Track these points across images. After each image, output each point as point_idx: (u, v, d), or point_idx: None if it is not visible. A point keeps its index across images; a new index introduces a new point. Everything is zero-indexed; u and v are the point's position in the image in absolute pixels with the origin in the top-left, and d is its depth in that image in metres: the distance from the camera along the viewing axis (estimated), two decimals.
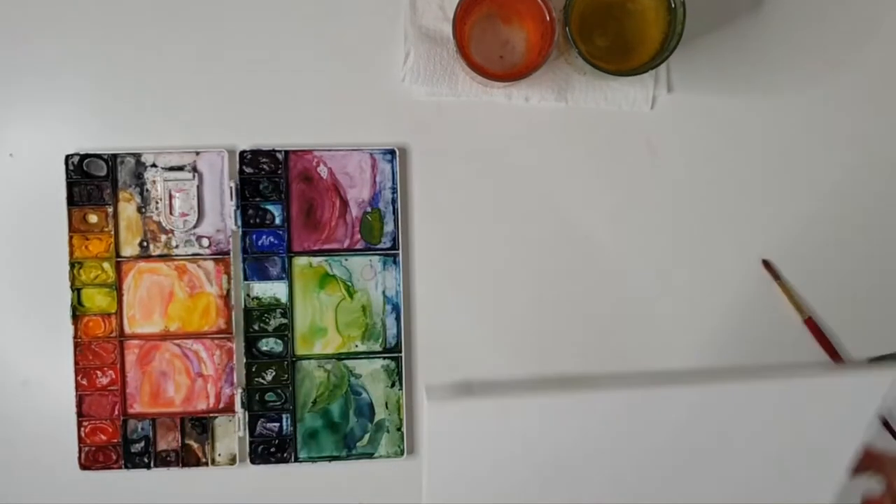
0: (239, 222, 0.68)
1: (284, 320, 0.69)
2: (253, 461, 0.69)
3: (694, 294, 0.70)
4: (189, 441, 0.69)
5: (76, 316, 0.68)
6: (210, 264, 0.69)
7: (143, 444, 0.69)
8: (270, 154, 0.68)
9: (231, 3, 0.68)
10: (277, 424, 0.69)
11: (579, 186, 0.70)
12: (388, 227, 0.69)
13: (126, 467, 0.68)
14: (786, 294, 0.69)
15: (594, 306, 0.70)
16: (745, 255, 0.71)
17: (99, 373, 0.68)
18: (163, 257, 0.68)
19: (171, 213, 0.68)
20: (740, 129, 0.70)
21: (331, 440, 0.69)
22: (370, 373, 0.69)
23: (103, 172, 0.68)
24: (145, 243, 0.68)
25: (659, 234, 0.70)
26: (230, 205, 0.68)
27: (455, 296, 0.69)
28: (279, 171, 0.68)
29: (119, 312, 0.68)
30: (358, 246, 0.69)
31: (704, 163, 0.70)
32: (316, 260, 0.69)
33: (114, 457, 0.68)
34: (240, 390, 0.69)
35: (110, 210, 0.68)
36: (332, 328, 0.69)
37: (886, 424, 0.65)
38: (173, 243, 0.68)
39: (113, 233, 0.68)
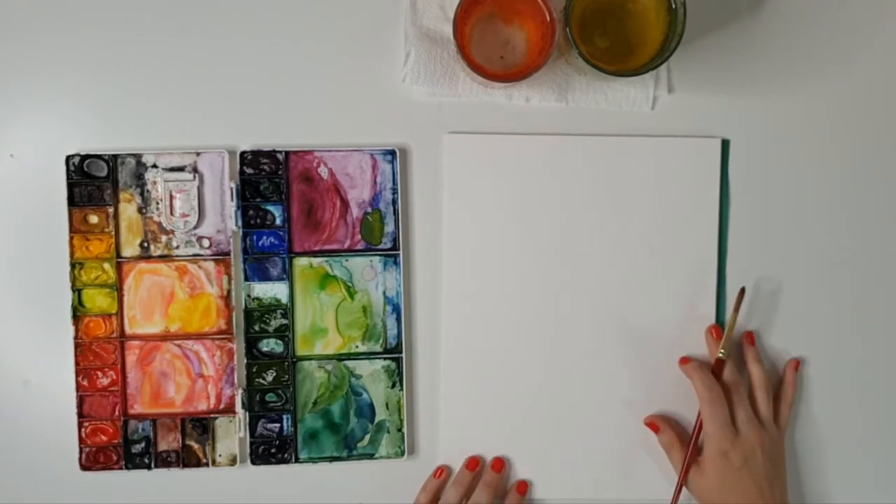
0: (239, 223, 0.68)
1: (285, 321, 0.69)
2: (253, 462, 0.69)
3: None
4: (190, 442, 0.69)
5: (77, 316, 0.68)
6: (210, 265, 0.69)
7: (143, 444, 0.69)
8: (271, 155, 0.68)
9: (231, 4, 0.68)
10: (278, 425, 0.69)
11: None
12: (389, 228, 0.69)
13: (127, 468, 0.68)
14: (728, 326, 0.68)
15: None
16: (747, 255, 0.71)
17: (99, 373, 0.68)
18: (163, 258, 0.68)
19: (171, 214, 0.68)
20: (740, 129, 0.70)
21: (331, 441, 0.69)
22: (371, 373, 0.69)
23: (104, 173, 0.68)
24: (146, 244, 0.68)
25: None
26: (231, 205, 0.68)
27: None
28: (280, 172, 0.68)
29: (120, 313, 0.68)
30: (358, 246, 0.69)
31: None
32: (316, 260, 0.69)
33: (114, 457, 0.68)
34: (240, 391, 0.68)
35: (111, 211, 0.68)
36: (332, 329, 0.69)
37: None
38: (174, 244, 0.68)
39: (113, 233, 0.68)
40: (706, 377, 0.66)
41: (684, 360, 0.69)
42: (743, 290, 0.69)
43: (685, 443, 0.68)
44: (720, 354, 0.67)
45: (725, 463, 0.64)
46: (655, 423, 0.69)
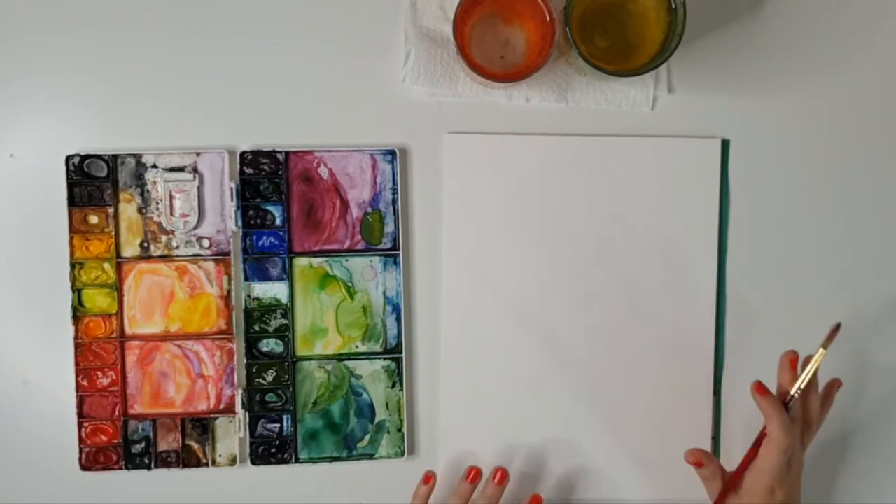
0: (239, 223, 0.68)
1: (285, 321, 0.69)
2: (253, 462, 0.69)
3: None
4: (189, 442, 0.69)
5: (77, 316, 0.68)
6: (210, 265, 0.69)
7: (143, 444, 0.69)
8: (271, 155, 0.68)
9: (231, 4, 0.68)
10: (278, 425, 0.69)
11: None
12: (389, 228, 0.69)
13: (126, 468, 0.68)
14: (814, 362, 0.62)
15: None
16: (747, 255, 0.71)
17: (99, 373, 0.68)
18: (163, 258, 0.68)
19: (171, 214, 0.68)
20: (740, 129, 0.70)
21: (331, 441, 0.69)
22: (371, 373, 0.69)
23: (104, 173, 0.68)
24: (146, 244, 0.68)
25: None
26: (231, 205, 0.68)
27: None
28: (280, 172, 0.68)
29: (120, 313, 0.68)
30: (358, 247, 0.69)
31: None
32: (316, 261, 0.69)
33: (114, 458, 0.68)
34: (240, 391, 0.68)
35: (111, 211, 0.68)
36: (332, 329, 0.69)
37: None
38: (174, 244, 0.68)
39: (113, 233, 0.68)
40: (786, 421, 0.61)
41: (761, 391, 0.62)
42: (839, 326, 0.62)
43: (725, 474, 0.64)
44: (795, 394, 0.62)
45: (769, 498, 0.61)
46: (700, 460, 0.64)
